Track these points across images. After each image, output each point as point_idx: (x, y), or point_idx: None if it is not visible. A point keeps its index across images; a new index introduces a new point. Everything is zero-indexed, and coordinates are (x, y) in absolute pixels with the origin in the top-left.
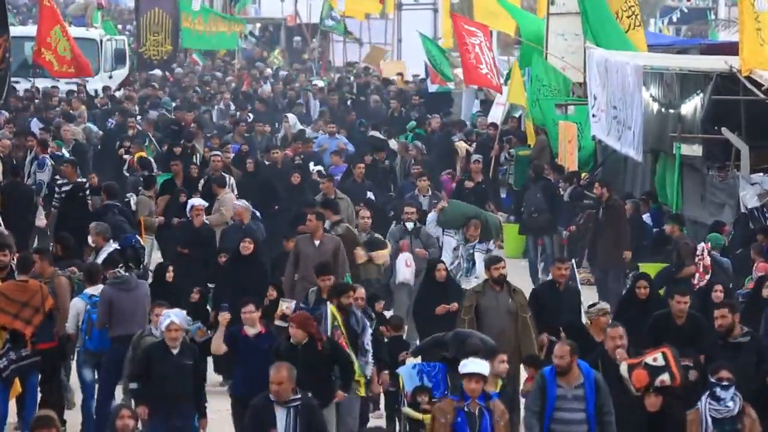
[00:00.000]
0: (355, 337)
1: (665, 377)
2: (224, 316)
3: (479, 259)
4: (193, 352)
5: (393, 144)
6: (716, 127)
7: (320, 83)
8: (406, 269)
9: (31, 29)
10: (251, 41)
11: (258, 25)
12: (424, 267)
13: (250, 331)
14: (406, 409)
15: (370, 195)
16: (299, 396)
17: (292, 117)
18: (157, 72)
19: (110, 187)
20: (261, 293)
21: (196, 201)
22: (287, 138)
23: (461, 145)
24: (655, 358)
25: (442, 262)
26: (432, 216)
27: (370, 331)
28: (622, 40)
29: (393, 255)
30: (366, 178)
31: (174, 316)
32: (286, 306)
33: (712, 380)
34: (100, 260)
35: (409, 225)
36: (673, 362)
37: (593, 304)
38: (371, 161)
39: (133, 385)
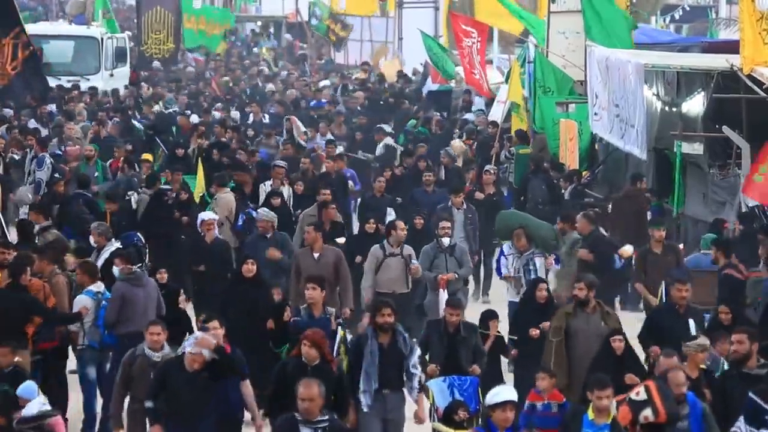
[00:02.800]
0: (402, 360)
1: (648, 413)
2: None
3: (540, 269)
4: (212, 367)
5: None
6: (717, 126)
7: (326, 83)
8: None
9: (30, 28)
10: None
11: (258, 23)
12: (459, 287)
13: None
14: (437, 425)
15: (390, 212)
16: (327, 417)
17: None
18: (156, 64)
19: (82, 177)
20: (267, 317)
21: (206, 215)
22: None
23: (456, 144)
24: (638, 392)
25: (544, 281)
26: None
27: (418, 352)
28: (623, 36)
29: (430, 282)
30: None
31: (207, 353)
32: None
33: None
34: (101, 260)
35: (445, 241)
36: (657, 396)
37: (693, 337)
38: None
39: (148, 404)
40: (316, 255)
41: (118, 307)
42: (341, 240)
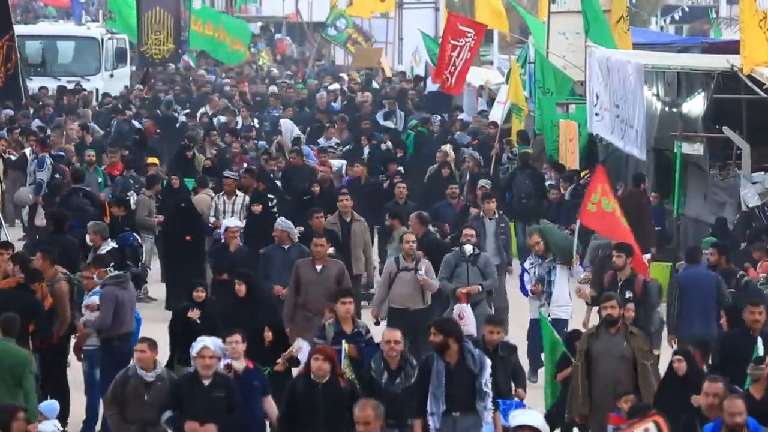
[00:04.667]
0: (473, 379)
1: None
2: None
3: (561, 280)
4: (227, 384)
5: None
6: (717, 126)
7: (335, 86)
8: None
9: (31, 28)
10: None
11: (259, 23)
12: (482, 298)
13: (237, 365)
14: None
15: None
16: None
17: (287, 123)
18: (171, 66)
19: (77, 171)
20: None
21: (231, 222)
22: (281, 147)
23: (446, 149)
24: (646, 429)
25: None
26: None
27: (489, 370)
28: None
29: (451, 294)
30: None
31: (209, 341)
32: (297, 348)
33: None
34: None
35: (468, 249)
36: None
37: (762, 359)
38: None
39: (167, 415)
40: (318, 267)
41: (112, 310)
42: (330, 250)
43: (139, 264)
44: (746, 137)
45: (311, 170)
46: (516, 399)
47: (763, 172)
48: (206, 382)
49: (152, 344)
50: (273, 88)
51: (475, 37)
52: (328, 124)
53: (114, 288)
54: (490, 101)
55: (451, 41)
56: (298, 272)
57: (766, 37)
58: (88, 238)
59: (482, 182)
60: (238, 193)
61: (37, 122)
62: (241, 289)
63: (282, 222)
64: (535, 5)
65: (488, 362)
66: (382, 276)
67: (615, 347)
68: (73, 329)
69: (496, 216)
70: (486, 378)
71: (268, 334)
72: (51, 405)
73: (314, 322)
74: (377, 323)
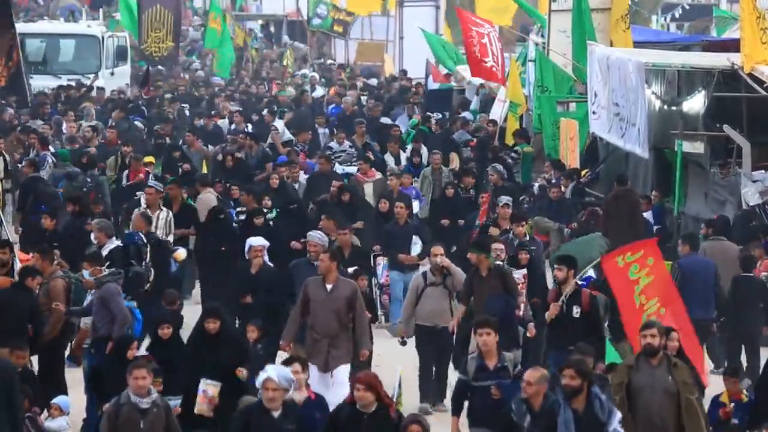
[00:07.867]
0: (599, 428)
1: None
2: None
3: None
4: (297, 416)
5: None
6: (718, 124)
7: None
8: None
9: (30, 26)
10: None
11: (259, 21)
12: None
13: (297, 396)
14: None
15: (416, 240)
16: None
17: (280, 125)
18: (196, 65)
19: (33, 161)
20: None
21: (255, 241)
22: (276, 149)
23: (453, 156)
24: None
25: (675, 331)
26: None
27: (619, 416)
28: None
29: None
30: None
31: (273, 372)
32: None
33: None
34: None
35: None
36: None
37: None
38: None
39: None
40: (328, 287)
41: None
42: (351, 270)
43: (143, 263)
44: (747, 135)
45: (338, 177)
46: None
47: (763, 171)
48: (276, 414)
49: (150, 369)
50: (290, 90)
51: (493, 27)
52: (326, 129)
53: (115, 284)
54: (490, 100)
55: (474, 29)
56: (307, 291)
57: (760, 36)
58: (92, 236)
59: (505, 200)
60: (162, 207)
61: (38, 121)
62: (214, 327)
63: (318, 236)
64: (536, 3)
65: (617, 410)
66: (408, 292)
67: (658, 381)
68: (70, 328)
69: (527, 238)
70: (615, 425)
71: (241, 372)
72: (63, 399)
73: (322, 345)
74: (404, 343)
